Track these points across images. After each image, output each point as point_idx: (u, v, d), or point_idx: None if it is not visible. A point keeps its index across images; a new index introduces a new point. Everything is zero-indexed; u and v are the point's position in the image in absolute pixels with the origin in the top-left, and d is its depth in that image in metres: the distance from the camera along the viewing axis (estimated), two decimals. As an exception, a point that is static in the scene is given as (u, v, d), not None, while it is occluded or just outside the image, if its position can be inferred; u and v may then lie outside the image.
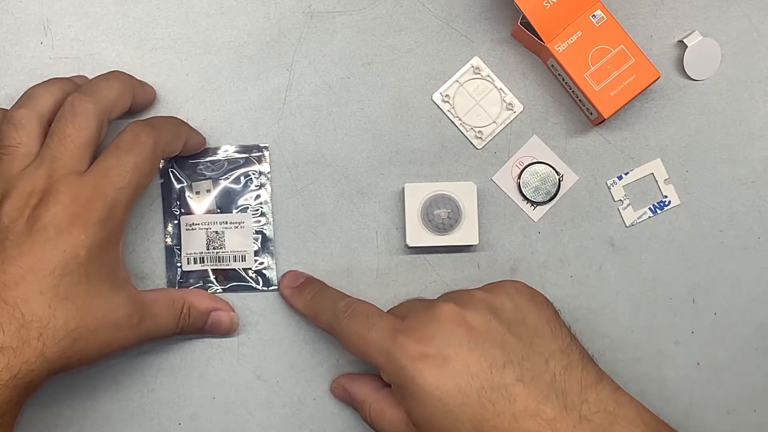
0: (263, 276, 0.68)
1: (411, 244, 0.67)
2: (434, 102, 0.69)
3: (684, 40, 0.68)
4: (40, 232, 0.57)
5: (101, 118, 0.60)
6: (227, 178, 0.68)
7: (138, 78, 0.66)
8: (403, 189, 0.67)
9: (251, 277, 0.68)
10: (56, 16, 0.68)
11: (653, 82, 0.65)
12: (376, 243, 0.68)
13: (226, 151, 0.68)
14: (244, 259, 0.68)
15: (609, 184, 0.69)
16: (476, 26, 0.69)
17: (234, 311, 0.67)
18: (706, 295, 0.69)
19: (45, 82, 0.63)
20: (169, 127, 0.63)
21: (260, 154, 0.68)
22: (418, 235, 0.67)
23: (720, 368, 0.69)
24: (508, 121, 0.69)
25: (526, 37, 0.67)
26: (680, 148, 0.69)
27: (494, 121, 0.69)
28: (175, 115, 0.67)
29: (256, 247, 0.68)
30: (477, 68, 0.69)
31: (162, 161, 0.66)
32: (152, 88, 0.67)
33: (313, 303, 0.65)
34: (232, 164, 0.68)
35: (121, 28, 0.68)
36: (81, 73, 0.67)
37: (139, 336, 0.61)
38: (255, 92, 0.68)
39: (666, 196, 0.69)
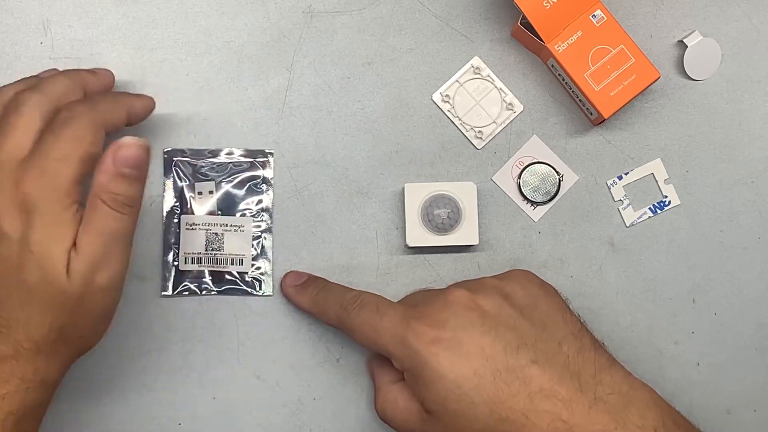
0: (259, 281, 0.68)
1: (411, 244, 0.67)
2: (434, 102, 0.69)
3: (684, 40, 0.68)
4: None
5: (46, 107, 0.58)
6: (230, 181, 0.68)
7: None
8: (403, 189, 0.67)
9: (247, 282, 0.68)
10: (56, 16, 0.68)
11: (653, 82, 0.65)
12: (376, 243, 0.68)
13: (231, 154, 0.68)
14: (241, 263, 0.68)
15: (609, 184, 0.69)
16: (476, 26, 0.69)
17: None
18: (706, 295, 0.69)
19: (12, 82, 0.61)
20: (106, 97, 0.62)
21: (265, 159, 0.68)
22: (418, 235, 0.67)
23: (720, 368, 0.69)
24: (508, 121, 0.69)
25: (526, 37, 0.67)
26: (680, 148, 0.69)
27: (494, 121, 0.69)
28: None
29: (254, 252, 0.68)
30: (477, 68, 0.69)
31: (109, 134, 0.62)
32: (108, 71, 0.65)
33: (319, 298, 0.65)
34: (237, 167, 0.68)
35: (121, 28, 0.68)
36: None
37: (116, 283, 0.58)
38: (255, 92, 0.68)
39: (666, 196, 0.69)
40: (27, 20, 0.68)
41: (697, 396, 0.69)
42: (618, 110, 0.65)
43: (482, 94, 0.69)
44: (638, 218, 0.69)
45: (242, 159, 0.68)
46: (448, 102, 0.68)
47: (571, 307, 0.62)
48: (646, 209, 0.69)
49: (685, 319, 0.69)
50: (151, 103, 0.64)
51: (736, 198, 0.69)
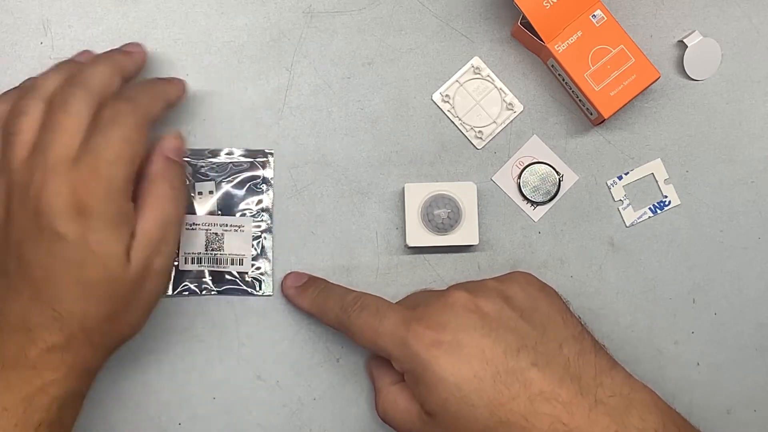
0: (259, 281, 0.68)
1: (411, 244, 0.67)
2: (434, 102, 0.69)
3: (684, 40, 0.68)
4: (49, 230, 0.56)
5: (91, 103, 0.59)
6: (230, 181, 0.68)
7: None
8: (403, 189, 0.67)
9: (247, 282, 0.68)
10: (56, 16, 0.68)
11: (653, 82, 0.65)
12: (376, 243, 0.68)
13: (231, 154, 0.68)
14: (241, 263, 0.67)
15: (609, 184, 0.69)
16: (476, 26, 0.69)
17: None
18: (706, 295, 0.69)
19: (49, 70, 0.62)
20: (145, 91, 0.62)
21: (265, 159, 0.68)
22: (418, 235, 0.67)
23: (720, 368, 0.69)
24: (508, 121, 0.69)
25: (526, 37, 0.67)
26: (680, 148, 0.69)
27: (494, 121, 0.69)
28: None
29: (254, 252, 0.68)
30: (477, 68, 0.69)
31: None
32: (140, 49, 0.65)
33: (319, 300, 0.65)
34: (237, 168, 0.68)
35: (121, 28, 0.68)
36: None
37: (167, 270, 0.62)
38: (255, 92, 0.68)
39: (666, 196, 0.69)
40: (27, 20, 0.68)
41: (697, 396, 0.69)
42: (618, 110, 0.65)
43: (482, 94, 0.69)
44: (638, 218, 0.69)
45: (242, 159, 0.68)
46: (448, 102, 0.69)
47: (571, 309, 0.62)
48: (646, 209, 0.69)
49: (685, 319, 0.69)
50: (183, 88, 0.66)
51: (736, 198, 0.69)
